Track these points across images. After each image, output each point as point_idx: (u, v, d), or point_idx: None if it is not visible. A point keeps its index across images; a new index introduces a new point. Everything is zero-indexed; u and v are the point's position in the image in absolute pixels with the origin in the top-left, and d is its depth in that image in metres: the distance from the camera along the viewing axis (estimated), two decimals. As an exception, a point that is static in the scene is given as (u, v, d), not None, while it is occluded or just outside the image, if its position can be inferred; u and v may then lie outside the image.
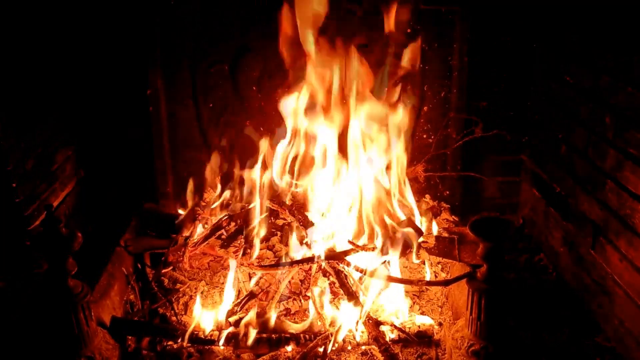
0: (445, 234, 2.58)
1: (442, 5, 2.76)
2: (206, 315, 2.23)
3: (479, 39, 2.78)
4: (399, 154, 2.65)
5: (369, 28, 2.67)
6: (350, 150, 2.60)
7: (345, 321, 2.17)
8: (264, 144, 2.70)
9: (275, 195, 2.71)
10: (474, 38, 2.78)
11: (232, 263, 2.36)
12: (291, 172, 2.71)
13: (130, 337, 2.16)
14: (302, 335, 2.12)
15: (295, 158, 2.70)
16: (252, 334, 2.09)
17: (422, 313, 2.35)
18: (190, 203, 2.79)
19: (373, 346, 2.12)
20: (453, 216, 2.83)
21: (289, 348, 2.11)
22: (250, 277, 2.44)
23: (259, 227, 2.51)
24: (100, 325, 2.06)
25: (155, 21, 2.74)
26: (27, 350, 1.98)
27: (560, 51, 2.58)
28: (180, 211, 2.87)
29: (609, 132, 2.17)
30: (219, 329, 2.16)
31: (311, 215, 2.55)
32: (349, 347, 2.14)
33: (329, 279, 2.36)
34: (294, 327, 2.17)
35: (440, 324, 2.29)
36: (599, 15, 2.24)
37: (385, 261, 2.35)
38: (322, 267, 2.36)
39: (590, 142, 2.33)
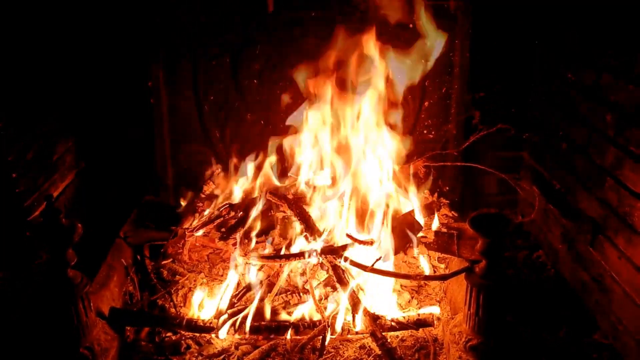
0: (445, 230, 2.58)
1: (445, 0, 2.76)
2: (205, 306, 2.24)
3: (481, 35, 2.78)
4: (401, 148, 2.66)
5: (370, 23, 2.66)
6: (352, 144, 2.61)
7: (342, 313, 2.18)
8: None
9: (275, 188, 2.72)
10: (476, 34, 2.77)
11: (235, 255, 2.35)
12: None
13: (129, 328, 2.17)
14: (300, 323, 2.13)
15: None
16: (248, 321, 2.11)
17: (420, 307, 2.37)
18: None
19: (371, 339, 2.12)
20: (452, 212, 2.84)
21: (289, 335, 2.12)
22: (249, 269, 2.44)
23: (258, 220, 2.52)
24: (99, 316, 2.06)
25: (157, 13, 2.73)
26: (26, 340, 1.98)
27: (561, 49, 2.58)
28: (181, 202, 2.88)
29: (609, 129, 2.17)
30: (217, 318, 2.16)
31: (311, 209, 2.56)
32: (349, 335, 2.15)
33: (328, 273, 2.36)
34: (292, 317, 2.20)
35: (438, 319, 2.30)
36: (600, 13, 2.23)
37: (383, 255, 2.35)
38: (320, 262, 2.36)
39: (590, 140, 2.33)
